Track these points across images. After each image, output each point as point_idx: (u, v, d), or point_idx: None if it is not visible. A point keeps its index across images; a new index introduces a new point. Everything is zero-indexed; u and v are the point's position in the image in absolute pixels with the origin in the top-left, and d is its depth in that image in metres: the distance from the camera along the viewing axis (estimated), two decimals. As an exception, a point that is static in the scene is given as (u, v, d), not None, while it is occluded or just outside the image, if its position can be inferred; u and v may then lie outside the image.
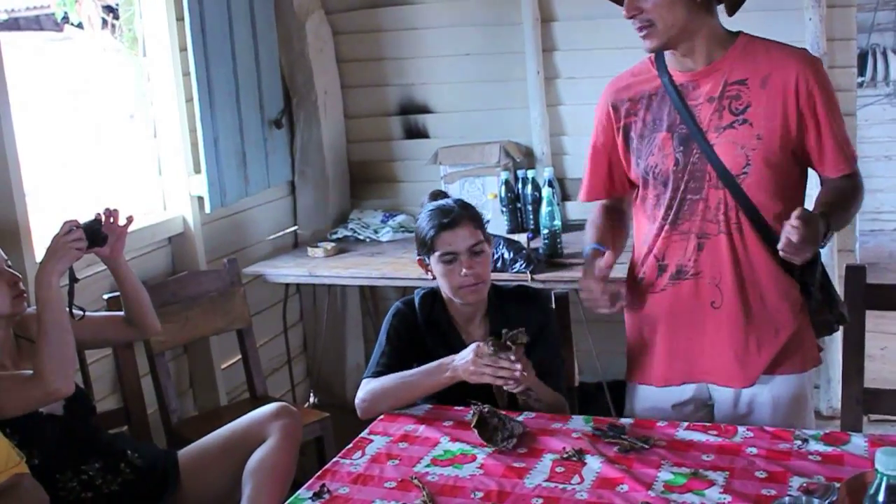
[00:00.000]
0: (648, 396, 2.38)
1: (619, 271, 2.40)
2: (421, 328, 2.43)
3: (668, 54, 2.21)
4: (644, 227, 2.32)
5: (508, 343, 2.19)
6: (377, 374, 2.35)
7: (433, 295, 2.46)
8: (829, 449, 1.95)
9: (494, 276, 2.54)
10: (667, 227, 2.24)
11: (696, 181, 2.18)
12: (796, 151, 2.17)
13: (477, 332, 2.42)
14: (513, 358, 2.17)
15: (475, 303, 2.40)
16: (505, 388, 2.22)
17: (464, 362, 2.21)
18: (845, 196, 2.19)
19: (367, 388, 2.34)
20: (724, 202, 2.17)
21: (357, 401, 2.34)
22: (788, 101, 2.11)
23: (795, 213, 1.94)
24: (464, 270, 2.33)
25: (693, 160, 2.18)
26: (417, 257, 2.48)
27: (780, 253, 2.00)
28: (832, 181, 2.20)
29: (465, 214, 2.38)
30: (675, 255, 2.24)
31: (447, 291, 2.40)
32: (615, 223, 2.41)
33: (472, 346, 2.22)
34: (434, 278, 2.42)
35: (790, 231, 1.94)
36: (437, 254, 2.37)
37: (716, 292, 2.21)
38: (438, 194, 2.54)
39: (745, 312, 2.21)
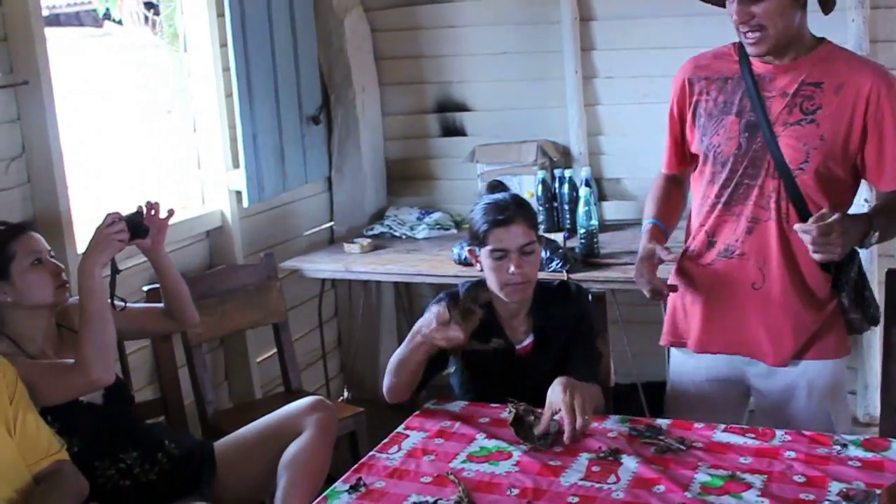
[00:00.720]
0: (685, 364, 2.47)
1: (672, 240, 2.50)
2: None
3: None
4: (698, 200, 2.41)
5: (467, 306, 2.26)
6: None
7: (479, 287, 2.43)
8: (869, 454, 1.94)
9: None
10: (720, 206, 2.31)
11: (754, 168, 2.25)
12: (854, 160, 2.22)
13: (520, 328, 2.43)
14: (477, 310, 2.24)
15: (520, 301, 2.40)
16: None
17: (430, 331, 2.21)
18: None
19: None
20: (778, 191, 2.23)
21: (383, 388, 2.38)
22: (857, 111, 2.17)
23: (814, 216, 2.03)
24: (512, 268, 2.33)
25: (755, 147, 2.24)
26: (468, 247, 2.48)
27: (812, 253, 2.06)
28: (888, 193, 2.25)
29: (519, 213, 2.37)
30: (724, 234, 2.32)
31: (493, 287, 2.39)
32: (674, 195, 2.52)
33: (433, 313, 2.22)
34: (481, 270, 2.42)
35: (806, 230, 2.02)
36: (487, 248, 2.37)
37: (758, 275, 2.29)
38: (497, 185, 2.53)
39: (784, 297, 2.27)
